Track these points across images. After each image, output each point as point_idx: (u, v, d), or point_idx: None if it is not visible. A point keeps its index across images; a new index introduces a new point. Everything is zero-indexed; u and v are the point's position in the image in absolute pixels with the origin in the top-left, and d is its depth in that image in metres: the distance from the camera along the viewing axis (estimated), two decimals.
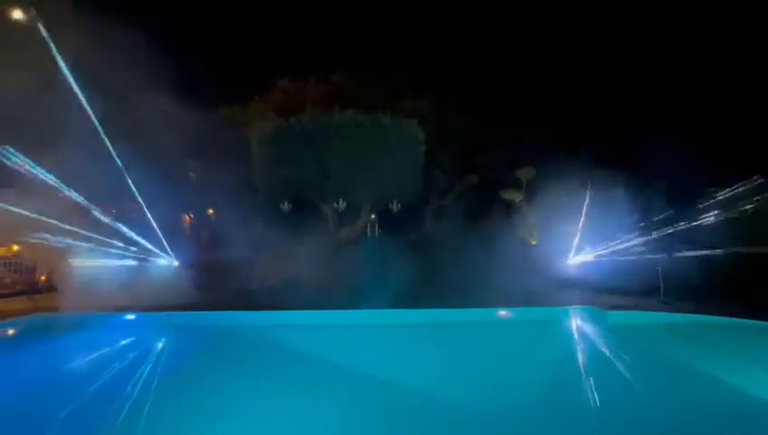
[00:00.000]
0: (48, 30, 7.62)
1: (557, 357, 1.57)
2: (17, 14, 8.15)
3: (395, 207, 12.18)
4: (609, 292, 8.06)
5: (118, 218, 9.15)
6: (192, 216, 12.86)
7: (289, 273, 9.09)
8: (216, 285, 9.12)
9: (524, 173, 12.76)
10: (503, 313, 2.18)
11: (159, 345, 1.81)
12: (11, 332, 1.81)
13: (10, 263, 10.13)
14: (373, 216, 13.02)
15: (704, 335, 1.82)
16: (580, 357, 1.63)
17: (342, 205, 11.83)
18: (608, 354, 1.69)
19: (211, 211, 12.45)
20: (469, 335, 1.90)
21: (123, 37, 8.45)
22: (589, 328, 2.00)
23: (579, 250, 10.85)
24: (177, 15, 11.25)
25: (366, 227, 12.74)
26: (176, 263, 9.64)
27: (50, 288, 9.48)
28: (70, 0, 8.19)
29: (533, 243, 13.27)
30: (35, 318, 2.10)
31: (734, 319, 1.84)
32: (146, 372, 1.44)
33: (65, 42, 7.96)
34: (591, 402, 1.15)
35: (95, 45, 8.10)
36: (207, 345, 1.73)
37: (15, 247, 10.09)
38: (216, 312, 2.18)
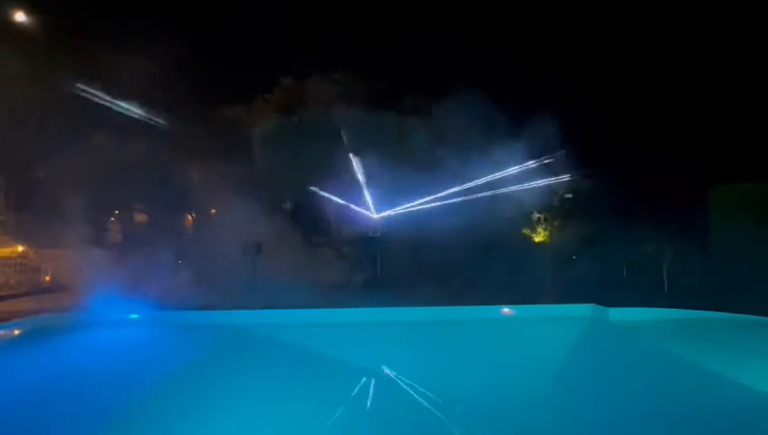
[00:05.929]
0: None
1: (557, 356, 1.54)
2: None
3: (399, 205, 12.13)
4: None
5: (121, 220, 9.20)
6: (195, 215, 12.89)
7: (291, 271, 9.10)
8: (219, 284, 9.12)
9: None
10: (501, 310, 2.13)
11: (163, 345, 1.79)
12: (17, 332, 1.81)
13: (15, 263, 10.18)
14: (376, 215, 12.99)
15: (712, 333, 1.77)
16: (581, 356, 1.59)
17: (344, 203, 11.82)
18: (611, 353, 1.65)
19: (213, 211, 12.48)
20: (465, 334, 1.86)
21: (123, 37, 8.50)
22: (590, 326, 1.95)
23: None
24: (178, 15, 11.22)
25: (368, 225, 12.72)
26: (179, 261, 9.68)
27: (57, 288, 9.50)
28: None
29: (538, 240, 13.21)
30: (40, 319, 2.09)
31: (747, 316, 1.79)
32: (150, 372, 1.42)
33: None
34: (594, 403, 1.13)
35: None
36: (213, 345, 1.71)
37: (20, 248, 10.13)
38: (222, 311, 2.17)
